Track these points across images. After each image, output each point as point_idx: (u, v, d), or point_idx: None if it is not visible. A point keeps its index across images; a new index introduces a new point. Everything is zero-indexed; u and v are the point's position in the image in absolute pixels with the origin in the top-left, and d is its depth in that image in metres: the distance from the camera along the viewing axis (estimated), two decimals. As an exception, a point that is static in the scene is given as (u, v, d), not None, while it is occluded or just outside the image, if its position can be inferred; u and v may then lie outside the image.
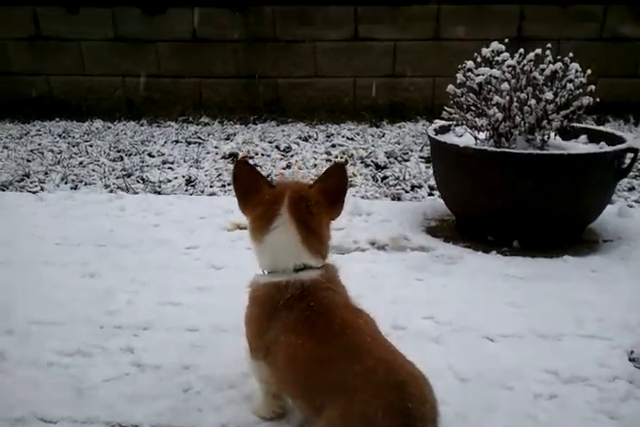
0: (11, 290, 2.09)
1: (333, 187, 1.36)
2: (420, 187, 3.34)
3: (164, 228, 2.63)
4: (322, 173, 1.36)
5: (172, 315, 1.92)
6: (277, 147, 3.96)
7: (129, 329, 1.83)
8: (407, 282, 2.07)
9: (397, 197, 3.22)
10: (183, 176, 3.51)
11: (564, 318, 1.83)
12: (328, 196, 1.35)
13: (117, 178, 3.48)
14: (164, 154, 3.84)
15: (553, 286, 2.03)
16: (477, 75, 2.31)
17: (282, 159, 3.76)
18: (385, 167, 3.66)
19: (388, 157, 3.78)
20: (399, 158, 3.80)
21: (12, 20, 4.48)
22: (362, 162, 3.72)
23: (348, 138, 4.14)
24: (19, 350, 1.72)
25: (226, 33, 4.43)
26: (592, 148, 2.43)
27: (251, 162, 1.49)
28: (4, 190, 3.29)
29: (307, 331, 1.24)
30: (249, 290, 1.39)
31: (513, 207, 2.27)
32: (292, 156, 3.83)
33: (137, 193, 3.23)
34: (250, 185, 1.34)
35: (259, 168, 1.27)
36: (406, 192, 3.30)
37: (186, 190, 3.35)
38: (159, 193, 3.26)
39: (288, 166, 3.64)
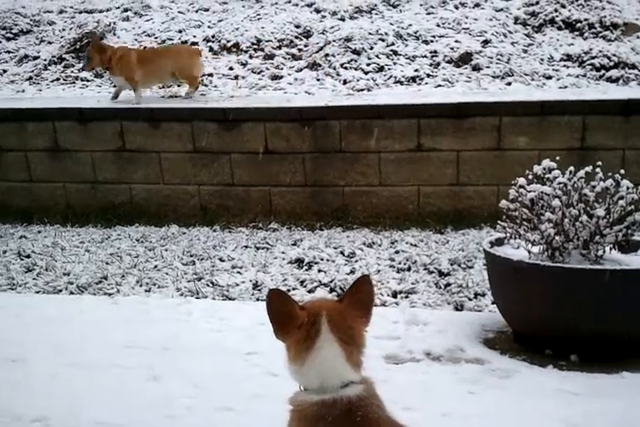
0: (78, 391, 2.21)
1: (362, 298, 1.42)
2: (483, 295, 3.33)
3: (227, 334, 2.74)
4: (349, 287, 1.44)
5: (226, 420, 1.97)
6: (342, 252, 4.07)
7: (185, 435, 1.90)
8: (459, 395, 2.07)
9: (460, 305, 3.23)
10: (250, 280, 3.65)
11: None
12: (359, 308, 1.41)
13: (189, 281, 3.65)
14: (233, 258, 4.01)
15: (608, 404, 1.97)
16: (529, 191, 2.40)
17: (345, 265, 3.86)
18: (448, 274, 3.68)
19: (451, 264, 3.81)
20: (463, 265, 3.81)
21: (103, 134, 4.94)
22: (425, 269, 3.77)
23: (411, 244, 4.21)
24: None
25: (295, 145, 4.73)
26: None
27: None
28: (82, 293, 3.51)
29: None
30: (292, 408, 1.37)
31: (569, 322, 2.27)
32: (355, 261, 3.93)
33: (206, 297, 3.39)
34: (283, 310, 1.40)
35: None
36: (469, 300, 3.30)
37: (252, 294, 3.48)
38: (227, 297, 3.40)
39: (352, 272, 3.73)
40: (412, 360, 2.40)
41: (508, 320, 2.59)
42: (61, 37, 6.91)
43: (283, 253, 4.07)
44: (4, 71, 6.50)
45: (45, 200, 5.07)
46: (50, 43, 6.84)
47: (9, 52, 6.76)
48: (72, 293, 3.51)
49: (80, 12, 7.51)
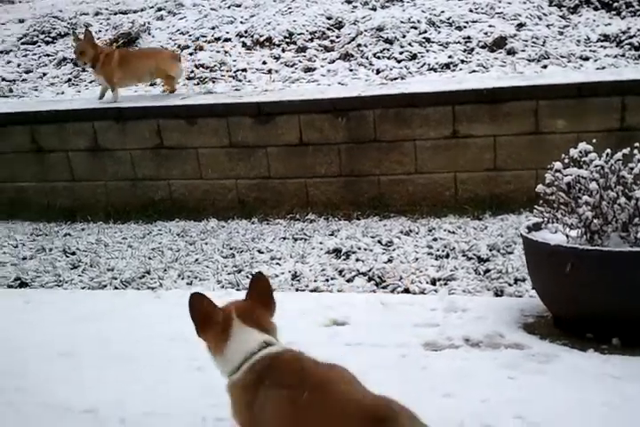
0: (126, 383, 2.28)
1: (261, 293, 1.75)
2: (523, 280, 3.30)
3: (267, 323, 2.77)
4: (249, 286, 1.77)
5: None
6: (379, 241, 4.07)
7: (228, 422, 1.94)
8: (499, 381, 2.07)
9: (500, 291, 3.21)
10: (289, 271, 3.69)
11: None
12: (260, 301, 1.74)
13: (229, 274, 3.71)
14: (272, 250, 4.06)
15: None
16: (566, 175, 2.36)
17: (383, 253, 3.87)
18: (487, 260, 3.66)
19: (490, 250, 3.78)
20: (502, 251, 3.78)
21: (140, 132, 5.03)
22: (463, 255, 3.75)
23: (449, 231, 4.18)
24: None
25: (329, 136, 4.74)
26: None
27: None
28: (125, 287, 3.60)
29: (287, 388, 1.47)
30: (232, 390, 1.62)
31: (610, 305, 2.24)
32: (393, 250, 3.93)
33: (246, 288, 3.43)
34: (203, 311, 1.66)
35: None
36: (509, 285, 3.28)
37: (292, 285, 3.52)
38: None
39: (390, 260, 3.74)
40: (450, 347, 2.40)
41: (548, 305, 2.56)
42: (98, 39, 7.04)
43: (320, 243, 4.10)
44: (44, 74, 6.67)
45: (88, 198, 5.20)
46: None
47: (48, 55, 6.93)
48: (116, 287, 3.60)
49: (115, 14, 7.65)
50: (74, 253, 4.20)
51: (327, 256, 3.87)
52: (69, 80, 6.36)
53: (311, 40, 6.16)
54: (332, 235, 4.26)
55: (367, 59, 5.70)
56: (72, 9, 7.99)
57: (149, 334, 2.75)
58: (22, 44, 7.33)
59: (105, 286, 3.65)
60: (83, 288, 3.63)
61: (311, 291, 3.35)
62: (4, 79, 6.65)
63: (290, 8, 6.65)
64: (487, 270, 3.48)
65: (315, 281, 3.51)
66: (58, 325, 2.94)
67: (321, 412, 1.37)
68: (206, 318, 1.66)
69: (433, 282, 3.39)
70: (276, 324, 1.74)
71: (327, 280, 3.53)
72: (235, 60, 6.14)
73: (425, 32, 5.80)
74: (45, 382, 2.35)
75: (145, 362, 2.47)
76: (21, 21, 8.10)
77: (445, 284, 3.35)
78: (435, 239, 4.03)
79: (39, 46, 7.21)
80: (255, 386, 1.53)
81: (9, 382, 2.35)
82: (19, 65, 6.92)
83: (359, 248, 3.94)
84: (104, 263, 3.96)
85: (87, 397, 2.20)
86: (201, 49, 6.40)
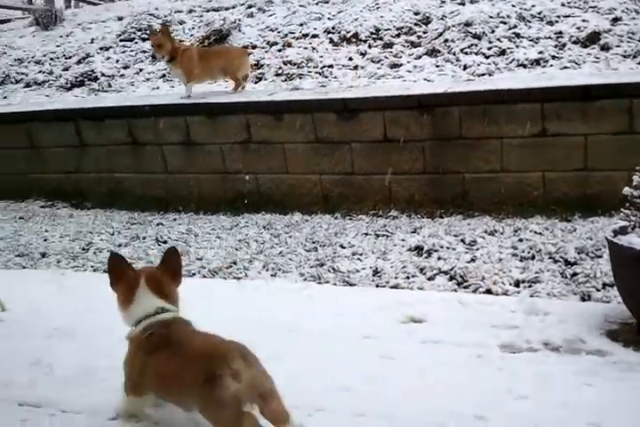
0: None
1: (171, 265, 2.09)
2: (612, 286, 3.19)
3: (345, 317, 2.84)
4: (162, 257, 2.10)
5: (345, 400, 2.08)
6: (462, 240, 4.05)
7: (305, 409, 2.03)
8: (576, 386, 2.05)
9: (587, 296, 3.14)
10: (370, 267, 3.74)
11: None
12: (170, 272, 2.08)
13: (311, 267, 3.80)
14: (354, 245, 4.11)
15: None
16: (656, 177, 2.29)
17: (466, 253, 3.85)
18: (575, 264, 3.57)
19: (578, 253, 3.69)
20: (591, 254, 3.67)
21: (230, 127, 5.20)
22: (550, 257, 3.67)
23: (535, 232, 4.10)
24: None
25: (414, 133, 4.74)
26: None
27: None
28: (213, 276, 3.76)
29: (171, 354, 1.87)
30: (129, 340, 1.99)
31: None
32: (476, 249, 3.90)
33: (327, 282, 3.52)
34: (118, 269, 2.04)
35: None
36: (597, 290, 3.20)
37: (372, 281, 3.57)
38: (348, 282, 3.52)
39: (473, 260, 3.71)
40: (529, 350, 2.38)
41: (633, 311, 2.49)
42: (191, 35, 7.31)
43: (402, 240, 4.12)
44: (141, 70, 6.98)
45: (180, 190, 5.43)
46: (181, 41, 7.25)
47: (144, 51, 7.23)
48: (204, 276, 3.76)
49: (208, 11, 7.89)
50: (165, 242, 4.41)
51: (409, 253, 3.89)
52: (164, 76, 6.62)
53: (398, 36, 6.15)
54: (414, 232, 4.26)
55: (454, 54, 5.64)
56: (167, 6, 8.30)
57: (235, 321, 2.86)
58: (120, 40, 7.68)
59: (194, 274, 3.82)
60: (173, 276, 3.80)
61: (391, 288, 3.39)
62: (103, 74, 7.01)
63: (377, 4, 6.66)
64: (574, 274, 3.39)
65: (395, 278, 3.54)
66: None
67: (176, 359, 1.83)
68: (120, 275, 2.03)
69: (516, 284, 3.35)
70: (179, 293, 2.13)
71: (408, 278, 3.55)
72: (321, 57, 6.21)
73: (515, 27, 5.67)
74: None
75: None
76: (120, 19, 8.50)
77: (530, 286, 3.30)
78: (520, 240, 3.96)
79: (136, 43, 7.54)
80: (143, 343, 1.92)
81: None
82: (117, 61, 7.26)
83: (441, 247, 3.94)
84: (194, 252, 4.14)
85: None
86: (289, 45, 6.52)
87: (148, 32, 7.55)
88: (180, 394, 1.84)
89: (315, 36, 6.51)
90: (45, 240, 4.66)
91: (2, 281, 3.20)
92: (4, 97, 7.14)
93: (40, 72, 7.46)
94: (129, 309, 2.01)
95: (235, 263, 3.92)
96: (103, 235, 4.67)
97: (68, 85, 6.92)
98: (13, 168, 6.05)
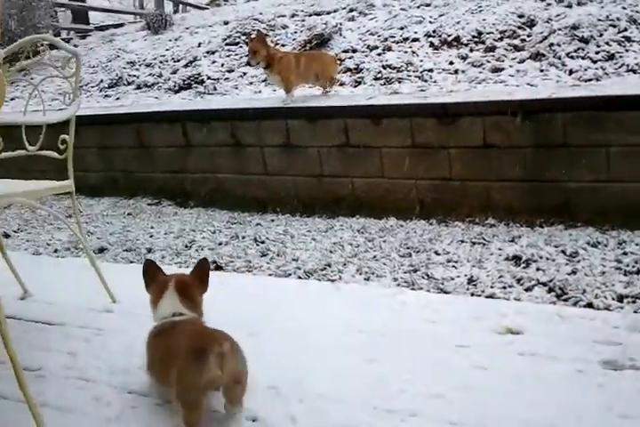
0: (304, 366, 2.48)
1: (201, 274, 2.36)
2: None
3: (440, 325, 2.84)
4: (195, 266, 2.40)
5: (437, 407, 2.10)
6: (563, 251, 3.94)
7: (399, 414, 2.06)
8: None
9: None
10: (465, 275, 3.70)
11: None
12: (199, 280, 2.35)
13: (405, 273, 3.80)
14: (449, 252, 4.08)
15: None
16: None
17: (566, 264, 3.74)
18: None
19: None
20: None
21: (328, 131, 5.29)
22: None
23: (643, 246, 3.94)
24: (307, 418, 2.06)
25: (514, 139, 4.64)
26: None
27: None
28: (308, 278, 3.84)
29: (169, 340, 2.14)
30: (150, 331, 2.30)
31: None
32: (578, 261, 3.78)
33: (421, 288, 3.52)
34: (152, 274, 2.36)
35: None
36: None
37: (467, 289, 3.54)
38: (442, 289, 3.50)
39: (574, 272, 3.61)
40: (632, 368, 2.30)
41: None
42: (293, 40, 7.48)
43: (499, 249, 4.05)
44: (244, 74, 7.21)
45: (278, 192, 5.58)
46: (283, 45, 7.43)
47: (248, 55, 7.46)
48: (300, 277, 3.85)
49: (310, 15, 8.05)
50: (263, 242, 4.54)
51: (506, 263, 3.82)
52: (265, 80, 6.81)
53: (500, 39, 6.05)
54: (512, 241, 4.19)
55: (559, 58, 5.49)
56: (271, 11, 8.52)
57: (328, 322, 2.93)
58: (226, 44, 7.97)
59: (289, 274, 3.92)
60: (270, 275, 3.93)
61: (487, 297, 3.35)
62: (209, 78, 7.29)
63: (480, 6, 6.58)
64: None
65: (491, 287, 3.49)
66: (247, 307, 3.22)
67: (169, 340, 2.12)
68: (153, 279, 2.35)
69: (619, 299, 3.23)
70: (202, 299, 2.39)
71: (504, 288, 3.49)
72: (422, 61, 6.21)
73: (625, 30, 5.45)
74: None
75: (322, 348, 2.65)
76: (226, 23, 8.81)
77: (633, 302, 3.17)
78: (625, 253, 3.80)
79: (240, 47, 7.79)
80: (156, 337, 2.23)
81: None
82: (222, 64, 7.53)
83: (540, 257, 3.85)
84: (290, 253, 4.25)
85: (269, 375, 2.40)
86: (389, 49, 6.55)
87: (252, 36, 7.81)
88: (167, 370, 2.04)
89: (415, 39, 6.51)
90: (151, 236, 4.91)
91: (111, 274, 3.39)
92: (117, 98, 7.58)
93: (150, 75, 7.85)
94: (157, 308, 2.31)
95: (329, 266, 3.99)
96: (205, 233, 4.86)
97: (176, 88, 7.25)
98: (124, 166, 6.42)
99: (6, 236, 5.19)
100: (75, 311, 3.24)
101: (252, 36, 5.89)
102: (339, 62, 6.03)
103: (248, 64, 6.48)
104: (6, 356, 1.92)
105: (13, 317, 3.16)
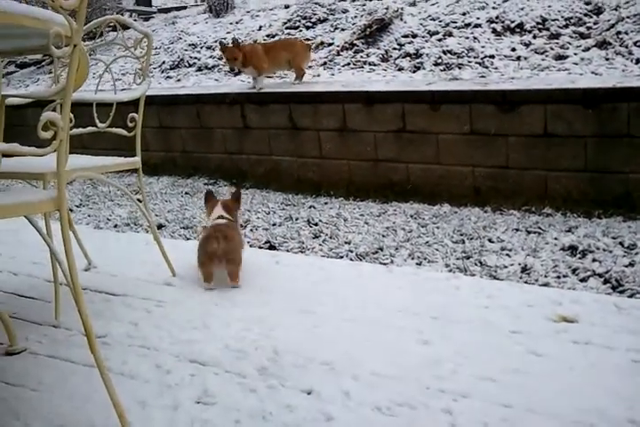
0: (358, 343, 2.54)
1: (237, 198, 3.56)
2: None
3: (493, 310, 2.85)
4: (233, 193, 3.62)
5: (489, 389, 2.12)
6: (621, 243, 3.87)
7: (451, 394, 2.09)
8: None
9: None
10: (519, 264, 3.68)
11: None
12: (236, 202, 3.55)
13: (457, 259, 3.81)
14: (503, 240, 4.06)
15: None
16: None
17: (624, 256, 3.68)
18: None
19: None
20: None
21: (385, 115, 5.29)
22: None
23: None
24: (360, 393, 2.10)
25: (576, 129, 4.56)
26: None
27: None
28: (360, 260, 3.88)
29: (211, 234, 3.21)
30: (201, 229, 3.84)
31: None
32: (636, 253, 3.72)
33: (473, 275, 3.52)
34: (210, 199, 3.59)
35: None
36: None
37: (520, 278, 3.52)
38: (494, 277, 3.50)
39: (631, 264, 3.55)
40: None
41: None
42: (353, 24, 7.46)
43: (555, 239, 4.01)
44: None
45: (332, 175, 5.63)
46: (343, 30, 7.43)
47: (307, 39, 7.49)
48: (352, 260, 3.90)
49: (371, 0, 8.00)
50: (316, 224, 4.60)
51: (561, 253, 3.79)
52: (324, 64, 6.84)
53: (565, 26, 5.92)
54: (568, 231, 4.14)
55: (626, 47, 5.35)
56: (332, -5, 8.50)
57: (380, 303, 2.98)
58: (286, 28, 8.01)
59: (342, 256, 3.96)
60: (322, 256, 3.98)
61: (540, 286, 3.33)
62: (267, 61, 7.35)
63: (547, -8, 6.43)
64: None
65: (545, 277, 3.46)
66: (300, 284, 3.30)
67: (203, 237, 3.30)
68: (209, 200, 3.58)
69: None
70: (237, 212, 3.55)
71: (558, 277, 3.46)
72: (483, 47, 6.13)
73: (699, 19, 5.27)
74: (293, 333, 2.68)
75: (376, 328, 2.70)
76: (286, 7, 8.84)
77: (696, 296, 3.12)
78: (686, 246, 3.74)
79: (300, 31, 7.82)
80: (203, 233, 3.38)
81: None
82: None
83: (597, 248, 3.79)
84: (342, 236, 4.29)
85: (324, 351, 2.47)
86: (450, 35, 6.48)
87: (312, 20, 7.83)
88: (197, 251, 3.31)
89: (477, 25, 6.43)
90: (207, 215, 5.03)
91: (169, 250, 3.51)
92: (178, 80, 7.72)
93: (210, 57, 7.97)
94: (210, 216, 3.46)
95: (381, 249, 4.02)
96: (260, 213, 4.95)
97: (235, 70, 7.33)
98: (182, 146, 6.57)
99: (69, 210, 5.40)
100: (136, 283, 3.37)
101: (229, 45, 6.09)
102: (310, 50, 6.41)
103: (231, 70, 7.12)
104: (75, 323, 2.03)
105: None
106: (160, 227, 4.76)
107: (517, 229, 4.25)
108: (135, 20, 11.47)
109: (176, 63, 8.14)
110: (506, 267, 3.65)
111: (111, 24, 3.23)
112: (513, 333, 2.61)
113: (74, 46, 1.77)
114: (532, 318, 2.74)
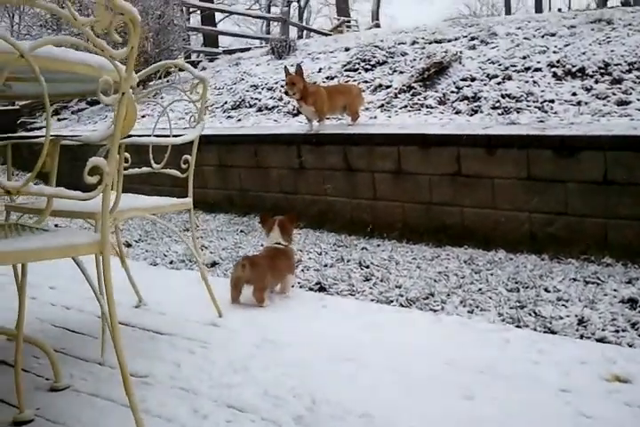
0: (398, 396, 2.47)
1: (292, 219, 3.98)
2: None
3: (543, 366, 2.74)
4: (288, 214, 4.02)
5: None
6: (683, 296, 3.69)
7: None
8: None
9: None
10: (576, 315, 3.54)
11: None
12: (291, 221, 3.94)
13: (511, 308, 3.69)
14: (559, 290, 3.93)
15: None
16: None
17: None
18: None
19: None
20: None
21: (441, 158, 5.27)
22: None
23: None
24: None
25: (637, 176, 4.42)
26: None
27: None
28: (410, 306, 3.82)
29: (270, 256, 3.76)
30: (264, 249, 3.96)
31: None
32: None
33: (527, 325, 3.40)
34: (265, 218, 3.96)
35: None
36: None
37: (577, 330, 3.38)
38: (549, 329, 3.37)
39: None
40: None
41: None
42: (411, 67, 7.53)
43: (614, 290, 3.85)
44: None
45: (385, 217, 5.61)
46: (401, 72, 7.51)
47: (366, 81, 7.60)
48: (402, 305, 3.84)
49: (430, 43, 8.08)
50: (368, 267, 4.56)
51: (620, 305, 3.63)
52: (382, 106, 6.90)
53: (629, 71, 5.81)
54: (629, 282, 3.97)
55: (694, 93, 5.20)
56: (392, 38, 8.64)
57: (427, 354, 2.91)
58: (345, 70, 8.15)
59: (391, 301, 3.91)
60: (372, 300, 3.94)
61: (597, 340, 3.19)
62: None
63: (608, 37, 6.35)
64: None
65: (602, 330, 3.32)
66: (346, 331, 3.26)
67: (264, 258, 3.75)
68: (265, 220, 3.96)
69: None
70: (293, 232, 3.97)
71: (617, 331, 3.31)
72: (542, 91, 6.07)
73: None
74: (333, 381, 2.64)
75: (419, 381, 2.63)
76: (347, 50, 9.01)
77: None
78: None
79: (359, 73, 7.94)
80: (263, 253, 3.86)
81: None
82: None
83: (657, 303, 3.62)
84: (393, 280, 4.24)
85: (362, 402, 2.41)
86: (509, 78, 6.45)
87: (371, 63, 7.94)
88: None
89: (537, 69, 6.38)
90: (260, 254, 5.07)
91: (221, 288, 3.54)
92: (239, 119, 7.92)
93: (271, 98, 8.16)
94: (268, 238, 3.89)
95: (432, 295, 3.95)
96: (312, 254, 4.96)
97: (295, 112, 7.48)
98: (240, 185, 6.69)
99: (128, 245, 5.54)
100: (183, 323, 3.40)
101: (292, 70, 6.19)
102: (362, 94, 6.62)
103: (286, 93, 7.06)
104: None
105: (128, 324, 3.38)
106: (214, 264, 4.82)
107: (575, 279, 4.11)
108: (201, 61, 11.91)
109: (237, 103, 8.37)
110: (561, 318, 3.52)
111: (170, 69, 3.36)
112: (562, 391, 2.50)
113: (122, 94, 1.84)
114: (584, 376, 2.62)
